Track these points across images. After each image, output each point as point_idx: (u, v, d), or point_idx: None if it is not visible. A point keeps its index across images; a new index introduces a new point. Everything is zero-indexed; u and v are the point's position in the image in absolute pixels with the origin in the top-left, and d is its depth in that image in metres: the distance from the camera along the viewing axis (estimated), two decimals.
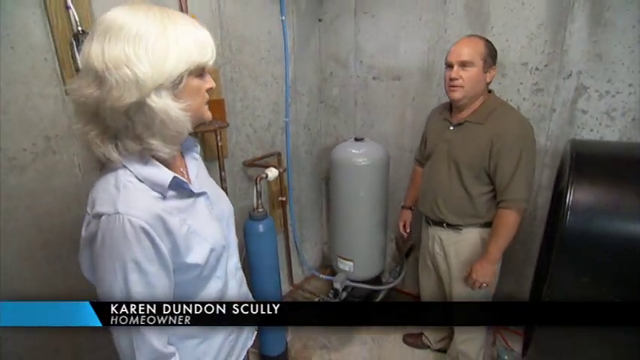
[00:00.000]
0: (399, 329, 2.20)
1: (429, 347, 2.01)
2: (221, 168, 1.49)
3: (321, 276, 2.52)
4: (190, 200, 0.77)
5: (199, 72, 0.69)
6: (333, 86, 2.46)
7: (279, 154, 2.19)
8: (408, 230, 1.89)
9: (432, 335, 1.98)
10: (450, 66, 1.39)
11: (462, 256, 1.56)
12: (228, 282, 0.86)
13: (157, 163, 0.70)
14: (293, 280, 2.54)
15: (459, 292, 1.59)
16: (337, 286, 2.21)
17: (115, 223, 0.62)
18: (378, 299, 2.25)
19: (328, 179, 2.44)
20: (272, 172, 1.73)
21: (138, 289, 0.66)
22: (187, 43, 0.65)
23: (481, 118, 1.42)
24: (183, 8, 1.50)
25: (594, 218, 1.23)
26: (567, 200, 1.25)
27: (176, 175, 0.71)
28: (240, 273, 0.95)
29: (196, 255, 0.73)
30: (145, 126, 0.65)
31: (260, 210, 1.67)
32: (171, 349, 0.74)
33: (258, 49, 1.99)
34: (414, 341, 2.07)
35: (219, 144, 1.46)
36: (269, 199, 2.24)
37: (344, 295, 2.26)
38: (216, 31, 1.73)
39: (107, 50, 0.60)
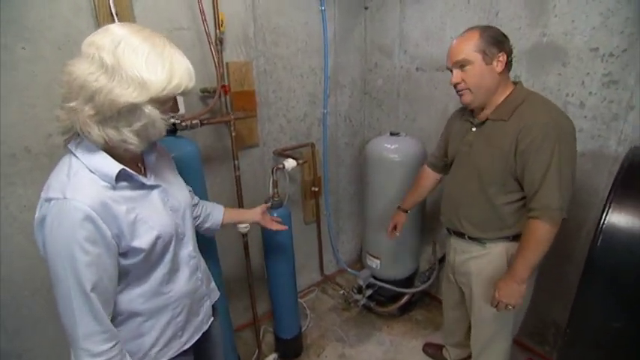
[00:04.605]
0: (421, 336, 2.08)
1: None
2: (234, 157, 1.57)
3: (349, 270, 2.49)
4: (143, 191, 0.84)
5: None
6: (378, 77, 2.36)
7: (312, 145, 2.20)
8: (397, 234, 1.73)
9: (453, 351, 1.82)
10: (451, 71, 1.25)
11: (484, 272, 1.38)
12: (180, 269, 0.93)
13: (108, 156, 0.76)
14: (324, 271, 2.57)
15: (480, 310, 1.42)
16: (360, 282, 2.17)
17: (62, 207, 0.69)
18: (402, 302, 2.14)
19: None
20: (289, 163, 1.76)
21: (81, 267, 0.71)
22: (184, 73, 0.76)
23: (504, 114, 1.21)
24: (214, 3, 1.58)
25: (635, 248, 0.97)
26: (602, 221, 1.01)
27: (124, 167, 0.77)
28: (195, 261, 0.98)
29: (142, 240, 0.80)
30: (129, 123, 0.73)
31: (276, 199, 1.73)
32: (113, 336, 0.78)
33: (295, 40, 2.01)
34: (433, 352, 1.93)
35: (233, 134, 1.53)
36: (301, 189, 2.29)
37: (369, 292, 2.21)
38: (249, 24, 1.79)
39: (120, 52, 0.68)
